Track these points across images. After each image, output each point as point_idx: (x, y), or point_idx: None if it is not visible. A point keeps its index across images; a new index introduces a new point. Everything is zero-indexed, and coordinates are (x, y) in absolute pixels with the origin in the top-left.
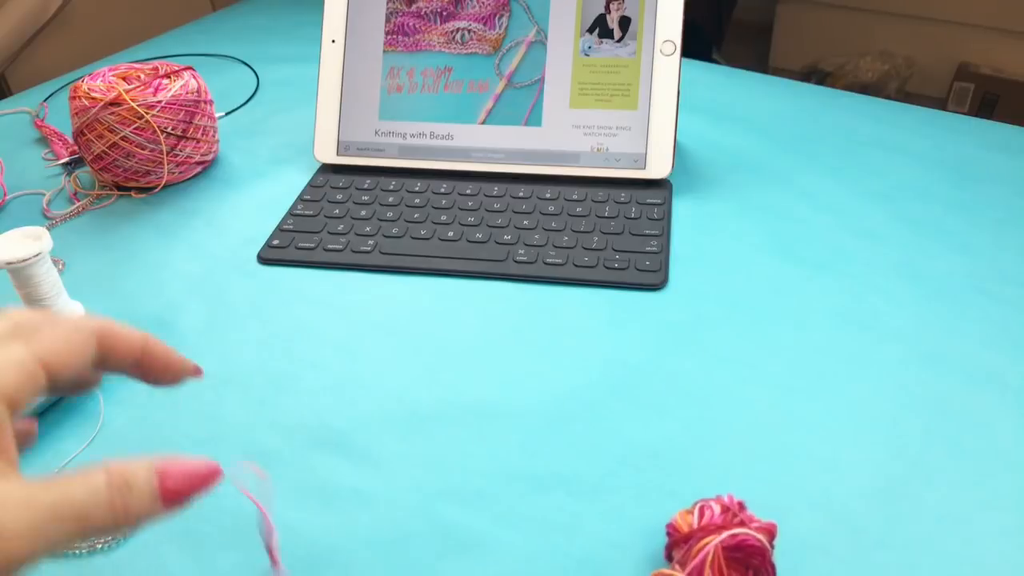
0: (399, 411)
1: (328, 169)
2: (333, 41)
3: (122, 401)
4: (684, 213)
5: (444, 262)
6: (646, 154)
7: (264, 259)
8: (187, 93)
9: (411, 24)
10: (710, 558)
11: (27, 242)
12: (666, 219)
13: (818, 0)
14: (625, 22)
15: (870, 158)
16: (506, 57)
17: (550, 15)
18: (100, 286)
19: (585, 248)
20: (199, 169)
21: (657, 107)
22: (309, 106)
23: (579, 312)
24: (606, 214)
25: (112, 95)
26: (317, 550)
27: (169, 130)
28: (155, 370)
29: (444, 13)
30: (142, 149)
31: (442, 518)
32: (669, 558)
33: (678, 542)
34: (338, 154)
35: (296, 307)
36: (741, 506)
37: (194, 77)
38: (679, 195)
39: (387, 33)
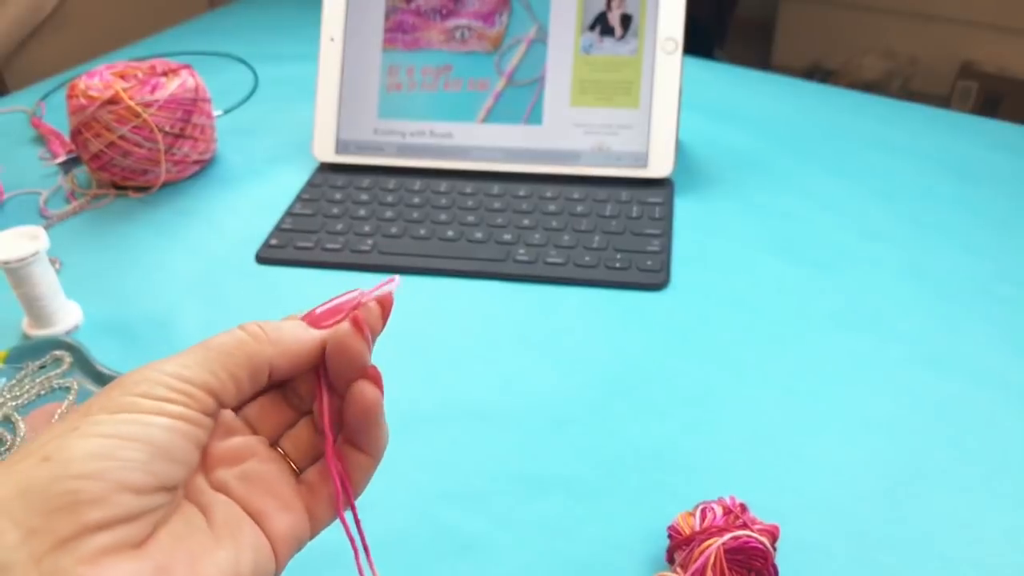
0: (398, 412)
1: (327, 168)
2: (332, 39)
3: None
4: (686, 212)
5: (443, 262)
6: (647, 153)
7: (262, 259)
8: (185, 91)
9: (410, 22)
10: (712, 560)
11: (24, 241)
12: (668, 218)
13: None
14: (626, 19)
15: (873, 157)
16: (506, 55)
17: (551, 12)
18: (97, 286)
19: (586, 248)
20: (197, 168)
21: (659, 105)
22: (308, 105)
23: (580, 312)
24: (607, 213)
25: (109, 93)
26: (316, 552)
27: (167, 129)
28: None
29: (444, 10)
30: (139, 148)
31: (441, 520)
32: (671, 560)
33: (680, 544)
34: (337, 153)
35: (294, 307)
36: (743, 508)
37: (192, 75)
38: (681, 194)
39: (386, 31)
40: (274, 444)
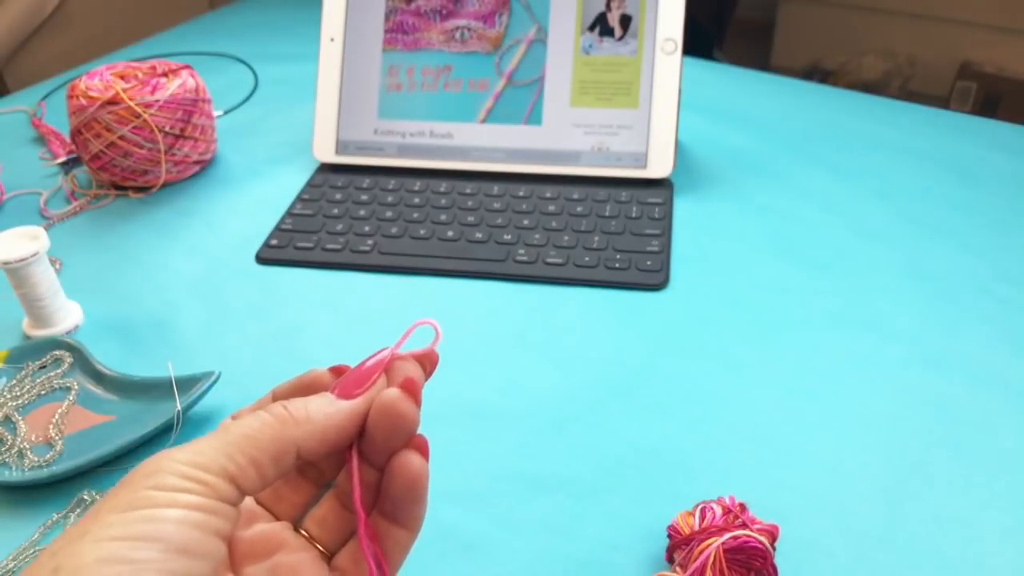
0: None
1: (327, 168)
2: (332, 39)
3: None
4: (685, 213)
5: (443, 262)
6: (647, 153)
7: (262, 259)
8: (185, 92)
9: (410, 22)
10: (711, 560)
11: (24, 242)
12: (667, 219)
13: None
14: (626, 20)
15: (872, 157)
16: (506, 55)
17: (550, 13)
18: (98, 286)
19: (586, 248)
20: (197, 168)
21: (658, 106)
22: (308, 105)
23: (579, 312)
24: (607, 214)
25: (110, 94)
26: None
27: (167, 129)
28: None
29: (444, 11)
30: (140, 148)
31: (442, 520)
32: (670, 560)
33: (679, 544)
34: (337, 153)
35: (294, 307)
36: (743, 508)
37: (192, 76)
38: (680, 194)
39: (386, 31)
40: (296, 525)
